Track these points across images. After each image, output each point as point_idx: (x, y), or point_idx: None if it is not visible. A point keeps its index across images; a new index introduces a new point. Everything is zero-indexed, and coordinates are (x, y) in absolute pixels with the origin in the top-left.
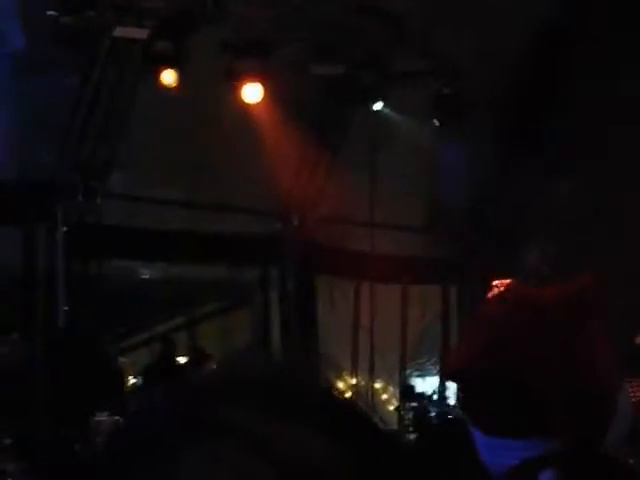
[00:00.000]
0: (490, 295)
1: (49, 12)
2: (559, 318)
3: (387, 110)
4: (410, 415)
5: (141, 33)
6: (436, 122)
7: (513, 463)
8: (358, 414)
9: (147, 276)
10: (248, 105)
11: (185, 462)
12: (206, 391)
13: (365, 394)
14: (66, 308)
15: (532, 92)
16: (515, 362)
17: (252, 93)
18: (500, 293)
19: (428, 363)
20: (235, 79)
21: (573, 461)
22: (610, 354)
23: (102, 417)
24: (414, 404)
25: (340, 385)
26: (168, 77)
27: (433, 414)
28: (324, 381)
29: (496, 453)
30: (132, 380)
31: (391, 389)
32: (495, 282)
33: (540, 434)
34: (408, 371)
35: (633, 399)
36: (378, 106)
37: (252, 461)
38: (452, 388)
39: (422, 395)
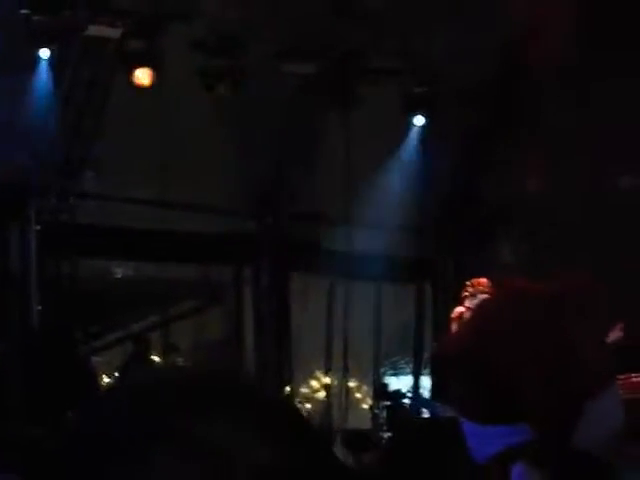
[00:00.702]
0: (489, 288)
1: (22, 10)
2: (545, 313)
3: (362, 107)
4: (384, 413)
5: (114, 32)
6: (411, 120)
7: (496, 450)
8: (299, 419)
9: (120, 275)
10: (221, 104)
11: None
12: (161, 397)
13: (339, 393)
14: (39, 307)
15: (508, 90)
16: (501, 352)
17: (225, 92)
18: (495, 286)
19: (402, 362)
20: (207, 78)
21: (543, 453)
22: (595, 353)
23: (75, 416)
24: (388, 402)
25: (313, 384)
26: (141, 76)
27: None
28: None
29: (482, 440)
30: (106, 379)
31: (365, 388)
32: (469, 281)
33: (525, 421)
34: (382, 370)
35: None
36: (353, 104)
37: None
38: (426, 386)
39: (396, 393)
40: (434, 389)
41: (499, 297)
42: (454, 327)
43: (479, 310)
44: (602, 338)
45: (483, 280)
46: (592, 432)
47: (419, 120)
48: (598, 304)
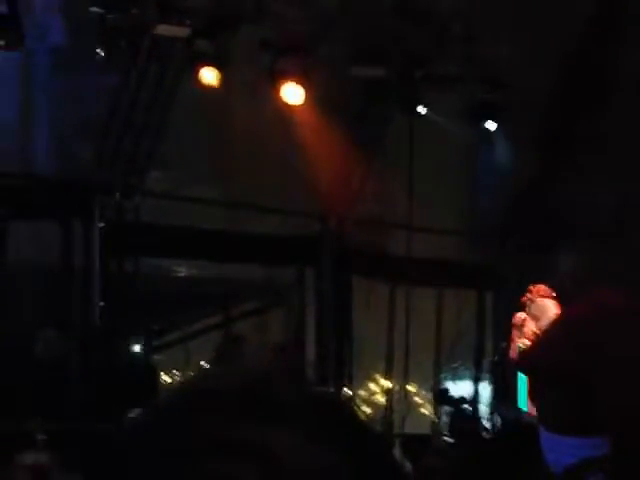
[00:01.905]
0: (574, 300)
1: (92, 8)
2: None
3: (426, 113)
4: (445, 419)
5: (182, 31)
6: (476, 126)
7: (573, 461)
8: (356, 420)
9: (183, 274)
10: (288, 105)
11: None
12: (205, 405)
13: (398, 397)
14: (102, 304)
15: (574, 99)
16: (593, 365)
17: (292, 93)
18: (584, 299)
19: (462, 367)
20: (275, 79)
21: (623, 466)
22: None
23: (135, 414)
24: (449, 408)
25: (373, 387)
26: (208, 76)
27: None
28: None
29: (559, 451)
30: (166, 378)
31: (424, 393)
32: (531, 287)
33: (605, 435)
34: (442, 375)
35: None
36: (418, 109)
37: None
38: (485, 393)
39: (457, 399)
40: (500, 395)
41: (591, 310)
42: (516, 333)
43: (571, 321)
44: None
45: (542, 286)
46: None
47: (484, 126)
48: None
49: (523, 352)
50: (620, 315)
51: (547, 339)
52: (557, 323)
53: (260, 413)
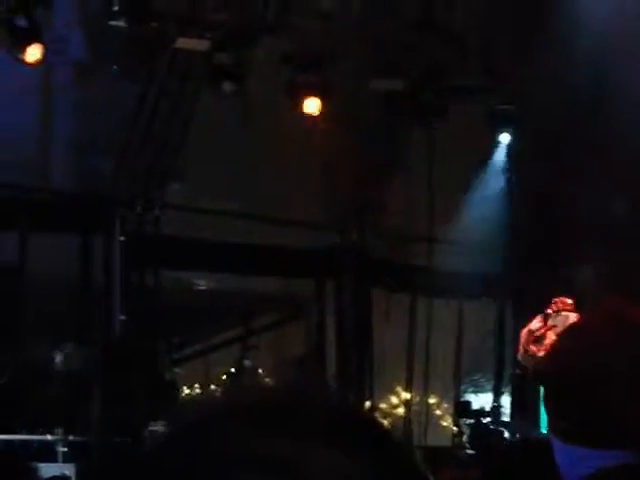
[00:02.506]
0: (590, 308)
1: (112, 22)
2: None
3: (446, 125)
4: (466, 431)
5: (202, 45)
6: (495, 138)
7: (587, 472)
8: (382, 433)
9: (203, 287)
10: (308, 118)
11: None
12: (233, 420)
13: (419, 409)
14: (122, 318)
15: (591, 111)
16: (608, 374)
17: (312, 106)
18: (600, 307)
19: (482, 379)
20: (295, 92)
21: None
22: None
23: (156, 427)
24: (470, 420)
25: (394, 400)
26: (229, 89)
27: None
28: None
29: (573, 462)
30: (187, 391)
31: (445, 405)
32: (555, 299)
33: (620, 446)
34: (463, 387)
35: None
36: (435, 121)
37: None
38: (507, 405)
39: (478, 411)
40: (518, 407)
41: (605, 319)
42: (533, 345)
43: (585, 331)
44: None
45: (566, 299)
46: None
47: (504, 138)
48: None
49: (538, 362)
50: (632, 324)
51: (561, 348)
52: (571, 332)
53: (291, 428)
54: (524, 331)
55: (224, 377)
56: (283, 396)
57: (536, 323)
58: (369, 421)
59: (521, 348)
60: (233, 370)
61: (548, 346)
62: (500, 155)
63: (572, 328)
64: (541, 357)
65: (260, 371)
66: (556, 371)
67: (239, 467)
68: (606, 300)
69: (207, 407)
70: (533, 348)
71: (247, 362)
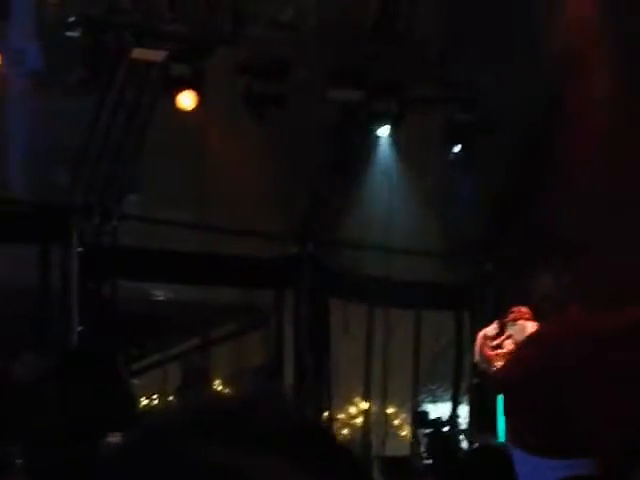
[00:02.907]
0: (548, 319)
1: (68, 33)
2: (620, 349)
3: (404, 135)
4: (424, 441)
5: (158, 55)
6: (452, 148)
7: None
8: (335, 445)
9: (161, 298)
10: (263, 128)
11: None
12: (186, 431)
13: (377, 419)
14: (80, 328)
15: (547, 121)
16: (569, 386)
17: (268, 117)
18: (560, 318)
19: (440, 389)
20: (252, 102)
21: None
22: None
23: (115, 438)
24: (428, 430)
25: (352, 410)
26: (185, 99)
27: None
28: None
29: (532, 471)
30: (145, 402)
31: (403, 415)
32: (513, 308)
33: (579, 456)
34: (420, 397)
35: None
36: (392, 131)
37: None
38: (464, 414)
39: (436, 421)
40: (476, 417)
41: (564, 329)
42: (489, 349)
43: (545, 341)
44: None
45: (524, 308)
46: None
47: (461, 148)
48: None
49: (498, 370)
50: (593, 335)
51: (521, 359)
52: (532, 343)
53: (244, 440)
54: (480, 335)
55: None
56: (238, 406)
57: (492, 329)
58: (322, 433)
59: (477, 351)
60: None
61: (506, 354)
62: (459, 164)
63: (532, 338)
64: (501, 366)
65: (208, 371)
66: (516, 382)
67: (193, 477)
68: (566, 311)
69: (161, 417)
70: (489, 352)
71: (197, 362)
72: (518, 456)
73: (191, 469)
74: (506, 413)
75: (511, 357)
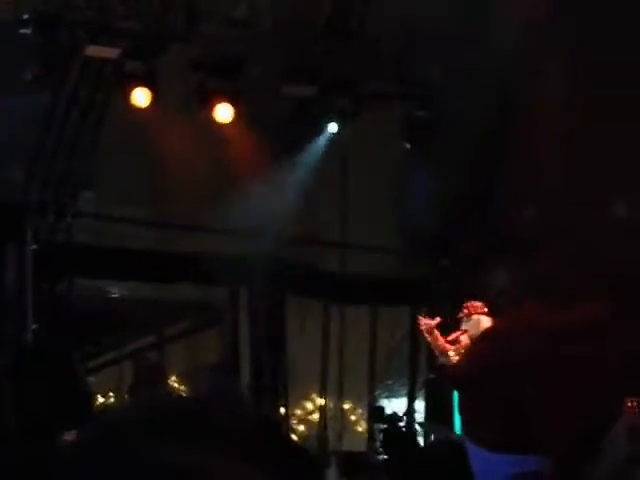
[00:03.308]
0: (501, 315)
1: (21, 30)
2: (572, 345)
3: (358, 131)
4: (380, 436)
5: (112, 52)
6: (407, 145)
7: (504, 477)
8: (288, 444)
9: (116, 295)
10: (217, 124)
11: None
12: (136, 428)
13: (334, 415)
14: (35, 326)
15: (502, 120)
16: (522, 382)
17: (222, 113)
18: (513, 314)
19: (396, 384)
20: (205, 99)
21: None
22: (617, 382)
23: (70, 436)
24: (384, 425)
25: (309, 406)
26: (139, 96)
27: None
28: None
29: (488, 466)
30: (101, 399)
31: (360, 410)
32: (466, 303)
33: (534, 453)
34: (377, 392)
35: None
36: (347, 127)
37: None
38: (420, 410)
39: (392, 416)
40: (432, 411)
41: (517, 325)
42: (452, 350)
43: (499, 337)
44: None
45: (478, 303)
46: (603, 463)
47: (417, 144)
48: (615, 332)
49: (453, 366)
50: (546, 331)
51: (475, 353)
52: (485, 338)
53: (200, 438)
54: (425, 329)
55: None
56: (193, 405)
57: (434, 321)
58: (277, 432)
59: (432, 345)
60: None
61: (462, 349)
62: (414, 161)
63: (486, 334)
64: (456, 362)
65: (164, 368)
66: (470, 377)
67: (149, 476)
68: (521, 306)
69: (116, 415)
70: (440, 342)
71: (151, 359)
72: (473, 450)
73: (147, 468)
74: (460, 408)
75: (466, 352)
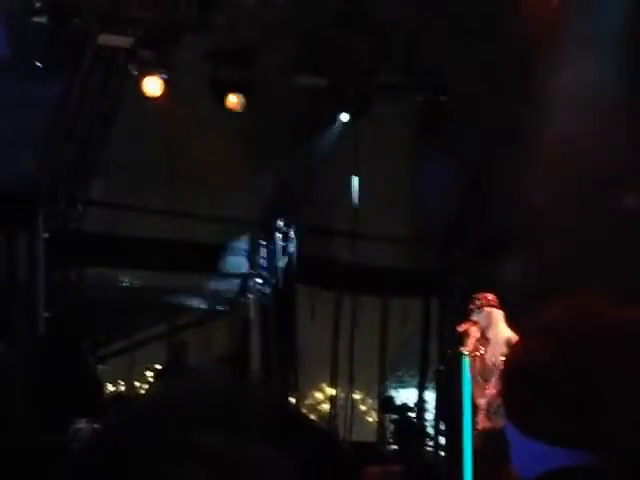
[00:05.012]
0: (555, 305)
1: (34, 18)
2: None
3: (370, 120)
4: (391, 427)
5: (125, 41)
6: (420, 134)
7: (544, 469)
8: (313, 429)
9: (127, 284)
10: (231, 114)
11: None
12: (168, 414)
13: (344, 405)
14: (46, 315)
15: (516, 107)
16: (582, 372)
17: (235, 102)
18: (561, 302)
19: (407, 375)
20: (219, 88)
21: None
22: None
23: (81, 424)
24: (394, 416)
25: (319, 396)
26: (152, 85)
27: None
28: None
29: (530, 456)
30: (111, 387)
31: (370, 401)
32: (477, 295)
33: (581, 447)
34: (387, 383)
35: None
36: (359, 117)
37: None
38: (431, 401)
39: (402, 407)
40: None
41: (574, 315)
42: (469, 341)
43: (556, 325)
44: None
45: (490, 295)
46: None
47: (429, 133)
48: None
49: (513, 351)
50: (607, 323)
51: (531, 341)
52: (541, 325)
53: (226, 423)
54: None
55: (150, 374)
56: (218, 392)
57: (467, 320)
58: (301, 418)
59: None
60: (160, 367)
61: (470, 342)
62: (428, 150)
63: (541, 321)
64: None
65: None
66: (526, 364)
67: (174, 458)
68: (569, 295)
69: (142, 402)
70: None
71: (177, 358)
72: (516, 438)
73: (173, 451)
74: (507, 395)
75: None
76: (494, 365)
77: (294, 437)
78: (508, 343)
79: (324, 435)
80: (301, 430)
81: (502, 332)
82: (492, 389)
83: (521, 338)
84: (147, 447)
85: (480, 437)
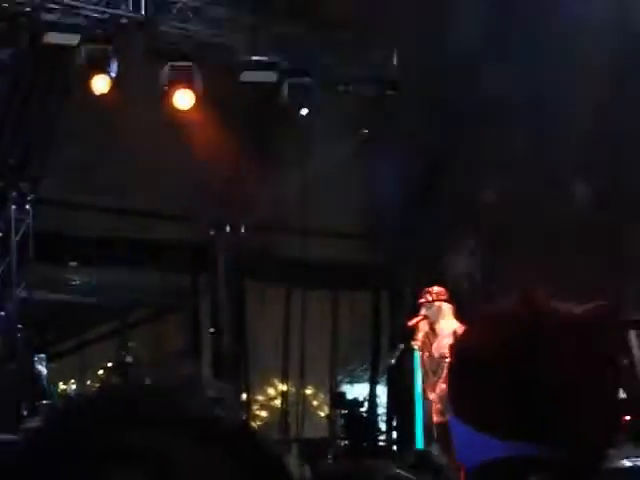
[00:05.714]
0: (508, 297)
1: None
2: (589, 332)
3: (319, 117)
4: (341, 422)
5: (72, 39)
6: (366, 130)
7: (487, 459)
8: (250, 433)
9: (77, 282)
10: (179, 111)
11: None
12: (105, 414)
13: (295, 401)
14: None
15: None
16: (522, 364)
17: (183, 99)
18: (513, 297)
19: (358, 370)
20: (166, 85)
21: (568, 474)
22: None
23: (32, 423)
24: (345, 411)
25: (271, 392)
26: (99, 83)
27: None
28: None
29: (474, 448)
30: (62, 386)
31: (322, 396)
32: (428, 289)
33: (520, 438)
34: (338, 378)
35: None
36: (306, 112)
37: None
38: (382, 396)
39: (353, 402)
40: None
41: (527, 309)
42: (419, 334)
43: (509, 318)
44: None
45: (439, 288)
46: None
47: (376, 128)
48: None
49: (457, 341)
50: (550, 315)
51: (474, 332)
52: (484, 317)
53: (161, 424)
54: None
55: (101, 372)
56: (161, 390)
57: (417, 314)
58: (238, 419)
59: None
60: (110, 365)
61: (422, 338)
62: (379, 145)
63: (494, 313)
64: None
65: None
66: (477, 353)
67: (108, 460)
68: (515, 289)
69: (76, 402)
70: (417, 336)
71: (128, 358)
72: (459, 429)
73: (107, 453)
74: (454, 385)
75: (478, 330)
76: (441, 357)
77: (235, 441)
78: (455, 335)
79: (267, 444)
80: (242, 435)
81: (450, 325)
82: (442, 384)
83: (465, 330)
84: (78, 448)
85: (435, 430)
